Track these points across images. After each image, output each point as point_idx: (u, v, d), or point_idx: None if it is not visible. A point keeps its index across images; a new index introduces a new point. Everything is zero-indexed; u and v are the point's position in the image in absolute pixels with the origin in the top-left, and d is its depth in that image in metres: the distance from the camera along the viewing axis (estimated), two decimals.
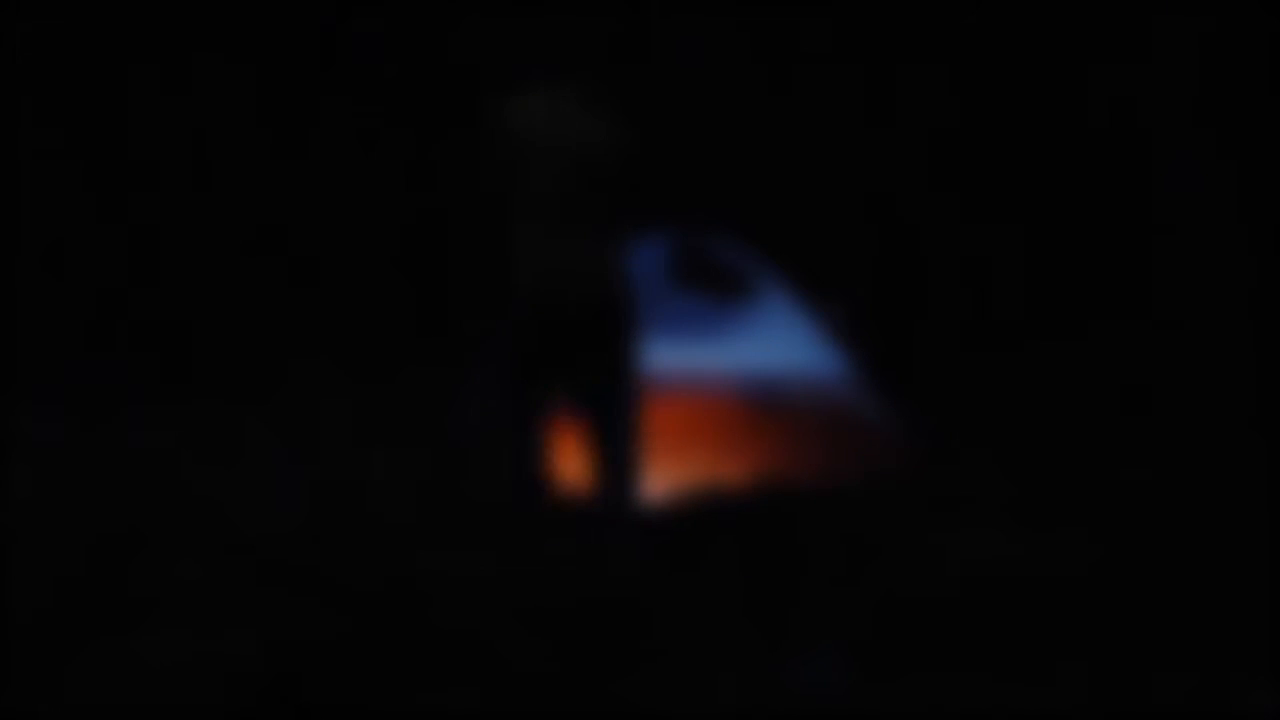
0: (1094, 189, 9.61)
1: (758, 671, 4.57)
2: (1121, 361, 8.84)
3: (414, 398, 8.47)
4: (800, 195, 9.98)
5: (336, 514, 6.19)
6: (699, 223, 7.27)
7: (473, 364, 7.43)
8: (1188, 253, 9.10)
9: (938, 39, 9.89)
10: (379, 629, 4.83)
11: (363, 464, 7.09)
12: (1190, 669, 4.56)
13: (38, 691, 4.38)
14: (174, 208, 10.11)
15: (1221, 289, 8.94)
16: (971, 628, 4.91)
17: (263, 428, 7.91)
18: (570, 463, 5.64)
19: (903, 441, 6.97)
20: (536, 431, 5.45)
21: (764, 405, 6.78)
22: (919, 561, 5.62)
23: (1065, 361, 9.04)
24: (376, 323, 9.92)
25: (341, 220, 10.14)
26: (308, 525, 5.99)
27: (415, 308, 9.99)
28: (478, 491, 6.25)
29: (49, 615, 4.93)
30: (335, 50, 10.16)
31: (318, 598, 5.10)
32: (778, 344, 6.91)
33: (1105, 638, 4.83)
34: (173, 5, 10.01)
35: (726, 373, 6.80)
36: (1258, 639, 4.84)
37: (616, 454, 5.48)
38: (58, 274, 9.91)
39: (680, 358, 6.75)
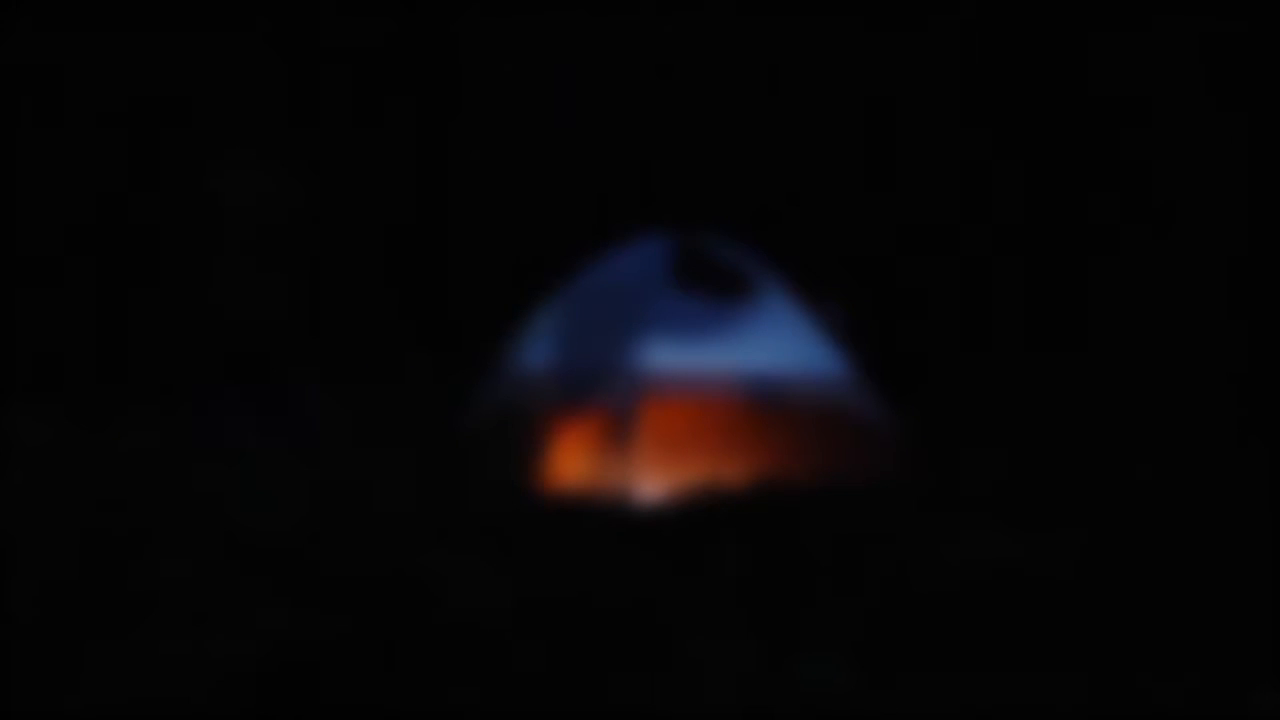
0: (1093, 189, 9.61)
1: (759, 671, 4.57)
2: (1121, 362, 8.84)
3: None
4: (800, 196, 9.98)
5: (336, 514, 6.19)
6: (699, 224, 7.27)
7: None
8: (1186, 254, 9.11)
9: (939, 34, 9.90)
10: (379, 628, 4.83)
11: (363, 464, 7.10)
12: (1190, 669, 4.56)
13: (38, 691, 4.38)
14: (173, 209, 10.11)
15: (1220, 287, 8.96)
16: (971, 628, 4.91)
17: (263, 428, 7.91)
18: (570, 463, 5.65)
19: (902, 441, 6.97)
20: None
21: (764, 405, 6.78)
22: (919, 562, 5.62)
23: (1064, 362, 9.04)
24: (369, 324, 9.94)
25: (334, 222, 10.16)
26: (308, 525, 5.99)
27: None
28: None
29: (49, 615, 4.93)
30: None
31: (318, 597, 5.11)
32: (778, 344, 6.91)
33: (1105, 638, 4.83)
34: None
35: (726, 373, 6.80)
36: (1258, 639, 4.84)
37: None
38: (57, 275, 9.91)
39: (680, 358, 6.75)
